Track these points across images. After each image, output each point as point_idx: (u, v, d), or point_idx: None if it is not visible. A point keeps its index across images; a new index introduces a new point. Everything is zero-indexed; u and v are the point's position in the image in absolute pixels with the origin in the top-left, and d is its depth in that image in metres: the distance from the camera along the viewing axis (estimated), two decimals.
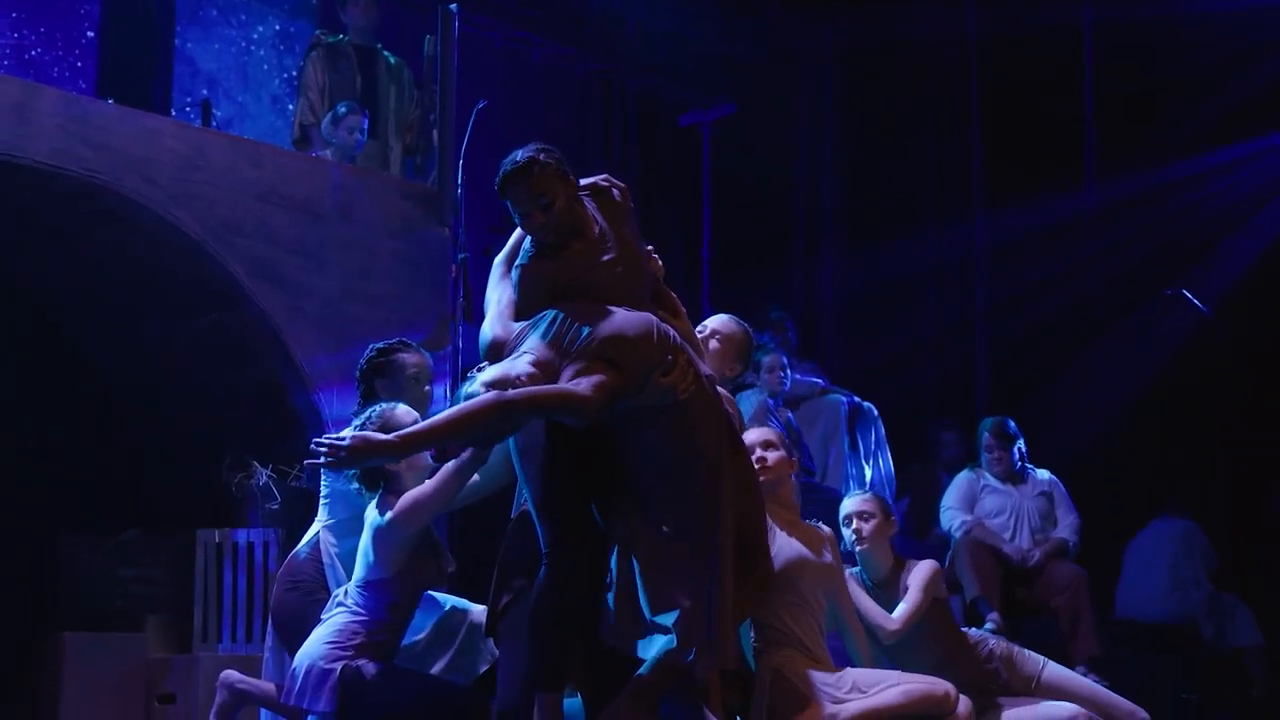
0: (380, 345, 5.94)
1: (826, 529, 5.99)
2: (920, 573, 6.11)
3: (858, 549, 6.15)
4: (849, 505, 6.21)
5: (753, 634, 5.67)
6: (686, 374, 4.81)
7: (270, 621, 5.84)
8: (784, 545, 5.71)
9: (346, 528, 5.60)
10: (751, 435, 5.92)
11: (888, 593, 6.12)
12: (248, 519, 7.49)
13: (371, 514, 5.27)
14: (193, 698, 7.10)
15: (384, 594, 5.20)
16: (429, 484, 5.12)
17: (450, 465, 5.05)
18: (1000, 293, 11.82)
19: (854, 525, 6.14)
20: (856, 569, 6.18)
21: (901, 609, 6.02)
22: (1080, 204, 11.58)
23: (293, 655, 5.45)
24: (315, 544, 5.73)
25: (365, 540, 5.29)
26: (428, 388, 5.94)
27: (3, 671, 7.55)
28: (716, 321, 6.06)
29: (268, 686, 5.78)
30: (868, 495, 6.28)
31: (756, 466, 5.69)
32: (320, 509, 5.79)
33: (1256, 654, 9.28)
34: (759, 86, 12.19)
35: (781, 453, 5.90)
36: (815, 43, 12.84)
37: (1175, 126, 11.19)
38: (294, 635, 5.53)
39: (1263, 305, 10.64)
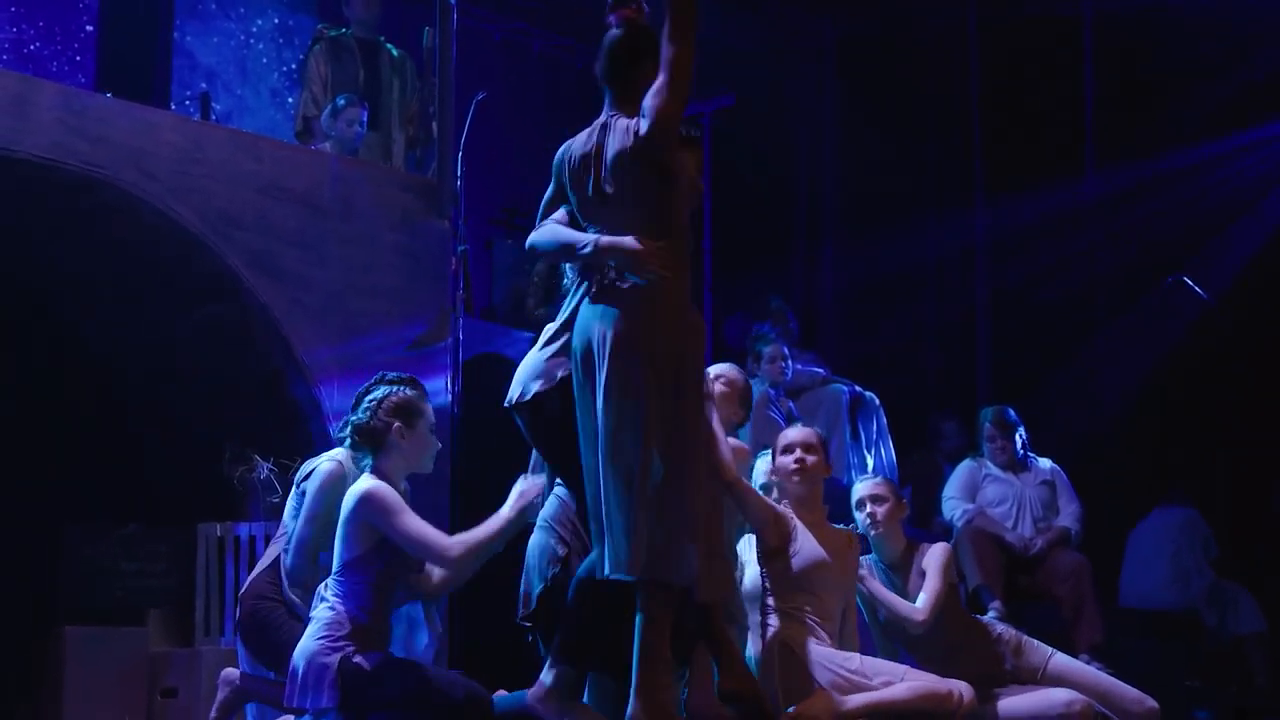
0: (391, 377, 5.92)
1: (850, 529, 6.11)
2: (936, 557, 6.14)
3: (872, 533, 6.18)
4: (862, 490, 6.23)
5: (759, 615, 5.77)
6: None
7: (240, 640, 5.84)
8: (805, 544, 5.81)
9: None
10: (794, 434, 6.08)
11: (900, 575, 6.17)
12: (249, 512, 7.48)
13: (360, 484, 5.31)
14: (195, 692, 7.09)
15: (360, 573, 5.21)
16: (432, 540, 5.22)
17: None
18: (1001, 282, 11.81)
19: (868, 509, 6.17)
20: (870, 555, 6.21)
21: (924, 597, 6.03)
22: (1080, 194, 11.57)
23: (267, 666, 5.56)
24: (273, 564, 5.79)
25: (340, 522, 5.33)
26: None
27: (4, 666, 7.54)
28: (722, 368, 6.25)
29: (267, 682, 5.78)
30: (879, 480, 6.29)
31: (795, 467, 5.91)
32: (271, 549, 5.88)
33: (1259, 641, 9.28)
34: (759, 78, 12.17)
35: (818, 457, 5.99)
36: (815, 34, 12.82)
37: (1175, 116, 11.18)
38: (264, 645, 5.60)
39: (1265, 294, 10.63)
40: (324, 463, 5.76)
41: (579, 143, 5.09)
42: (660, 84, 4.81)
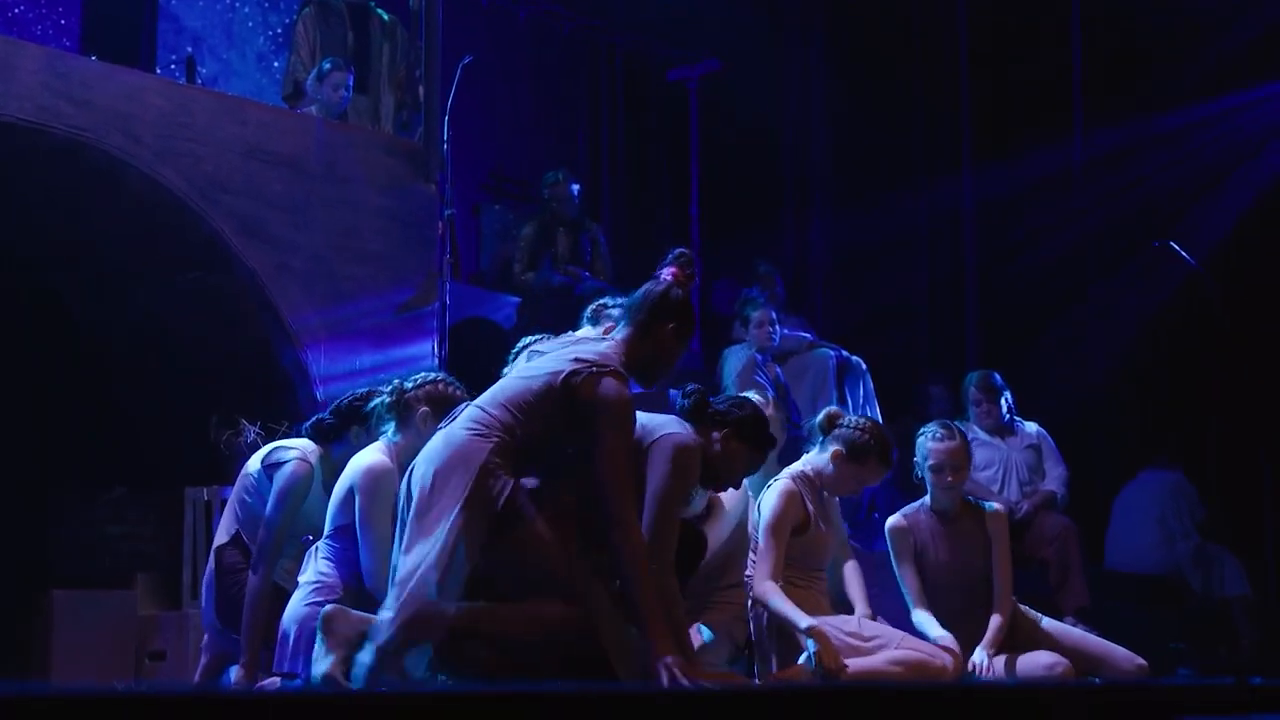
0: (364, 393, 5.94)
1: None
2: (1002, 531, 6.16)
3: (942, 490, 6.17)
4: (940, 454, 6.15)
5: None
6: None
7: (220, 621, 5.84)
8: (813, 522, 5.89)
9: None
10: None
11: (951, 525, 6.17)
12: (235, 476, 7.47)
13: (365, 457, 5.32)
14: (183, 654, 7.10)
15: (353, 538, 5.23)
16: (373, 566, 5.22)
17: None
18: (990, 247, 11.81)
19: (948, 477, 6.13)
20: (921, 503, 6.24)
21: (1000, 577, 6.07)
22: (1069, 158, 11.57)
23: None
24: (235, 539, 5.85)
25: (338, 488, 5.34)
26: None
27: None
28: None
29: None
30: (957, 442, 6.19)
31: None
32: (227, 518, 5.94)
33: (1244, 604, 9.32)
34: (747, 42, 12.15)
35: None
36: None
37: (1164, 79, 11.17)
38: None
39: (1252, 257, 10.64)
40: (291, 460, 5.73)
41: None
42: (605, 481, 4.66)
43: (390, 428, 5.47)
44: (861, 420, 6.05)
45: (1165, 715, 4.16)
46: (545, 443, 4.77)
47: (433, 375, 5.65)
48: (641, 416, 5.01)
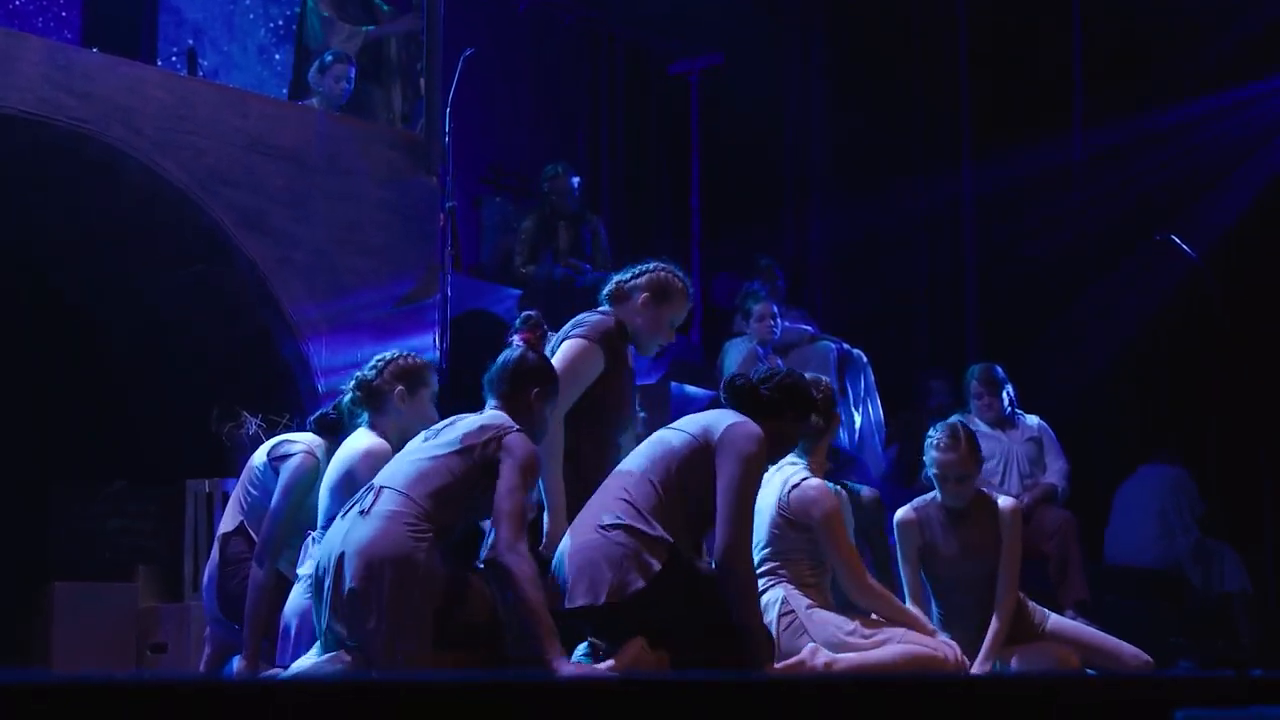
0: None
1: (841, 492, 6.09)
2: (1013, 529, 6.10)
3: (950, 494, 6.12)
4: (944, 464, 6.08)
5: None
6: None
7: (223, 614, 5.84)
8: None
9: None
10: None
11: (962, 520, 6.12)
12: (237, 469, 7.47)
13: (359, 441, 5.33)
14: (184, 647, 7.11)
15: None
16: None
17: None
18: (990, 240, 11.81)
19: (952, 488, 6.08)
20: (930, 495, 6.18)
21: (1006, 578, 6.02)
22: (1069, 152, 11.57)
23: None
24: (241, 531, 5.84)
25: (331, 477, 5.34)
26: None
27: None
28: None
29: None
30: (960, 453, 6.08)
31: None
32: (231, 510, 5.93)
33: (1243, 599, 9.32)
34: (748, 35, 12.14)
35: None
36: None
37: (1164, 74, 11.17)
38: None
39: (1252, 255, 10.64)
40: (298, 453, 5.73)
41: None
42: (504, 519, 4.74)
43: (364, 420, 5.48)
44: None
45: (1165, 708, 4.16)
46: (464, 511, 4.87)
47: (389, 355, 5.64)
48: (697, 418, 5.20)
